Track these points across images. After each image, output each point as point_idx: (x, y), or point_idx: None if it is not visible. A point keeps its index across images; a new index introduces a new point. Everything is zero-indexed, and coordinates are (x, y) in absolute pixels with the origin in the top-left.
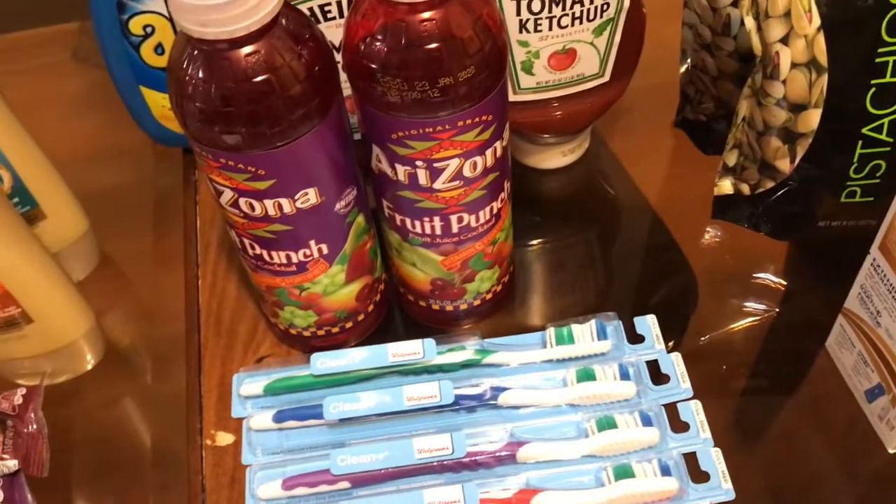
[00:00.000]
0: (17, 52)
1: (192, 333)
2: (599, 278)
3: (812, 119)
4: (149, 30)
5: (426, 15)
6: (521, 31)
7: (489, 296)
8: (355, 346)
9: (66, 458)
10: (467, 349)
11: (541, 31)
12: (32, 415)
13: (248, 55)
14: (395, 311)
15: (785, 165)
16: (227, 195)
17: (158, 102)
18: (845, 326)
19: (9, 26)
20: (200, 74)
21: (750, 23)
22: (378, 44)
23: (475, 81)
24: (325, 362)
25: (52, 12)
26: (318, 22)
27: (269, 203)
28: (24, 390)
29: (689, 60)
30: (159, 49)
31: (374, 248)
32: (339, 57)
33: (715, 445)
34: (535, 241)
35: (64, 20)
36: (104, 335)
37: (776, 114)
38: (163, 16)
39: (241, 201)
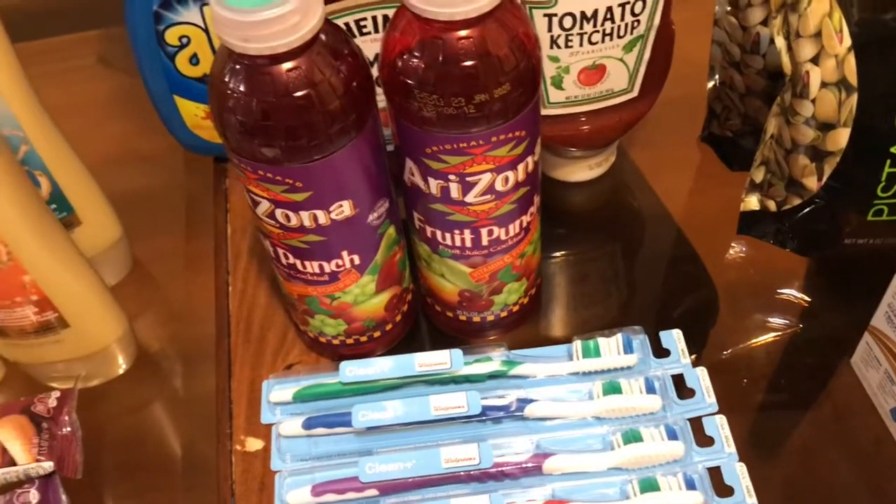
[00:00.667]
0: (43, 56)
1: (222, 339)
2: (624, 291)
3: (841, 138)
4: (184, 40)
5: (463, 33)
6: (552, 47)
7: (516, 308)
8: (382, 355)
9: (98, 461)
10: (494, 360)
11: (571, 46)
12: (67, 417)
13: (288, 70)
14: (421, 322)
15: (812, 183)
16: (264, 206)
17: (191, 112)
18: (871, 344)
19: (36, 33)
20: (241, 88)
21: (780, 42)
22: (415, 60)
23: (510, 98)
24: (353, 370)
25: (78, 19)
26: (354, 36)
27: (304, 214)
28: (58, 393)
29: (716, 77)
30: (194, 59)
31: (403, 259)
32: (374, 71)
33: (739, 460)
34: (560, 254)
35: (90, 27)
36: (136, 340)
37: (804, 132)
38: (199, 27)
39: (278, 212)
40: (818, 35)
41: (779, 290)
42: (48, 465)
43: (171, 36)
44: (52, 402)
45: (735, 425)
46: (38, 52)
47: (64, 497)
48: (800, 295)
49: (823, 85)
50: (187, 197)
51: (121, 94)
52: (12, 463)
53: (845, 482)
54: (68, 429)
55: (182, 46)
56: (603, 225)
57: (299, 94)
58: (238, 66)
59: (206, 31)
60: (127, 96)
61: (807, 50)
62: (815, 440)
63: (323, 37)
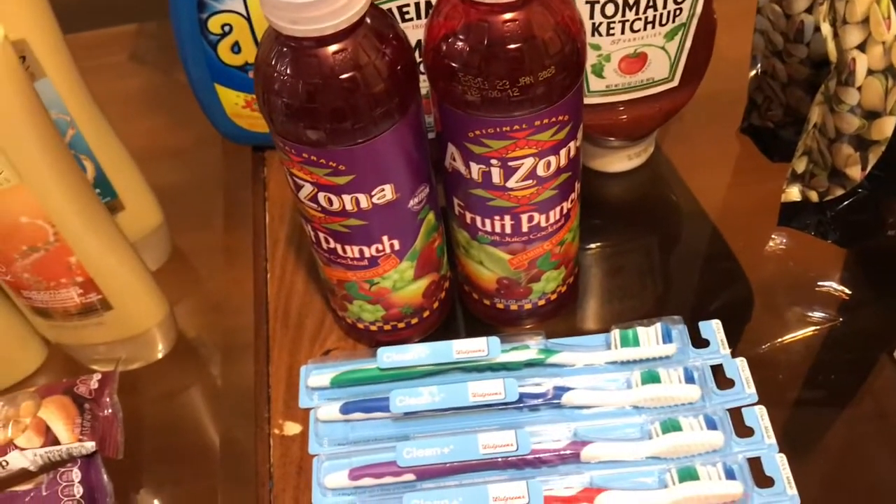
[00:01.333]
0: (76, 53)
1: (260, 326)
2: (661, 283)
3: (887, 126)
4: (227, 28)
5: (508, 16)
6: (593, 35)
7: (554, 296)
8: (419, 342)
9: (138, 443)
10: (531, 348)
11: (613, 34)
12: (108, 399)
13: (335, 53)
14: (458, 310)
15: (856, 173)
16: (307, 189)
17: (232, 100)
18: None
19: (69, 28)
20: (288, 70)
21: (826, 29)
22: (460, 43)
23: (554, 82)
24: (391, 356)
25: (111, 14)
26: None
27: (346, 198)
28: (99, 375)
29: (758, 66)
30: (236, 48)
31: (441, 246)
32: (417, 57)
33: (779, 451)
34: (597, 244)
35: (123, 22)
36: (176, 325)
37: (849, 121)
38: (241, 15)
39: (321, 196)
40: (865, 22)
41: (819, 283)
42: (90, 445)
43: (214, 24)
44: (94, 384)
45: (774, 418)
46: (74, 47)
47: (105, 476)
48: (840, 288)
49: (870, 72)
50: (225, 186)
51: (153, 89)
52: (56, 442)
53: (886, 478)
54: (109, 410)
55: (224, 35)
56: (640, 216)
57: (345, 76)
58: (285, 49)
59: (249, 19)
60: (160, 92)
61: (853, 37)
62: (855, 434)
63: (368, 20)
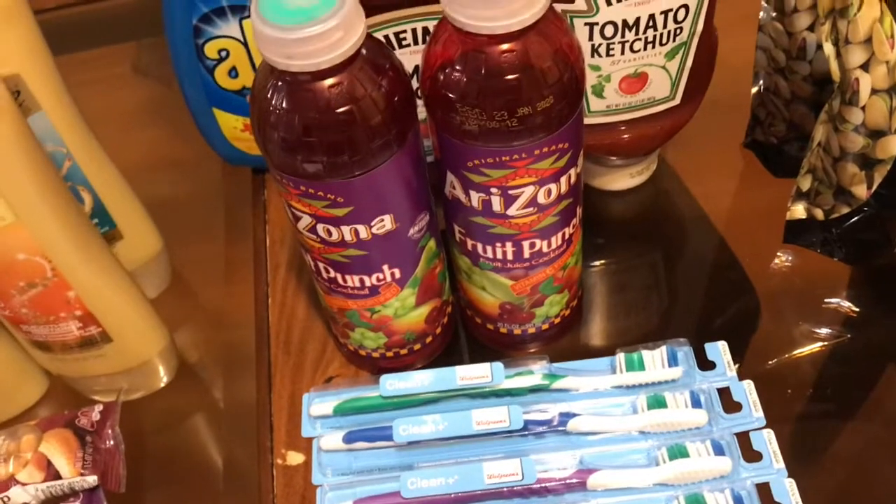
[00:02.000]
0: (80, 66)
1: (262, 352)
2: (666, 301)
3: (891, 145)
4: (223, 54)
5: (505, 46)
6: (592, 56)
7: (557, 320)
8: (422, 368)
9: (141, 474)
10: (535, 373)
11: (613, 55)
12: (110, 431)
13: (330, 87)
14: (461, 334)
15: (862, 191)
16: (305, 221)
17: (230, 124)
18: None
19: (73, 46)
20: (284, 105)
21: (829, 48)
22: (457, 73)
23: (553, 111)
24: (394, 384)
25: (113, 31)
26: (394, 49)
27: (346, 229)
28: (101, 407)
29: (761, 83)
30: (233, 72)
31: (443, 272)
32: (413, 84)
33: (788, 475)
34: (601, 263)
35: (126, 39)
36: (177, 352)
37: (854, 140)
38: (237, 40)
39: (319, 227)
40: (868, 41)
41: (825, 300)
42: (92, 479)
43: (211, 49)
44: (96, 416)
45: (782, 437)
46: (75, 62)
47: None
48: (847, 304)
49: (874, 92)
50: (226, 207)
51: (157, 102)
52: (57, 476)
53: None
54: (111, 442)
55: (221, 60)
56: (644, 234)
57: (341, 109)
58: (280, 83)
59: (245, 44)
60: (163, 105)
61: (856, 56)
62: (865, 453)
63: (364, 52)
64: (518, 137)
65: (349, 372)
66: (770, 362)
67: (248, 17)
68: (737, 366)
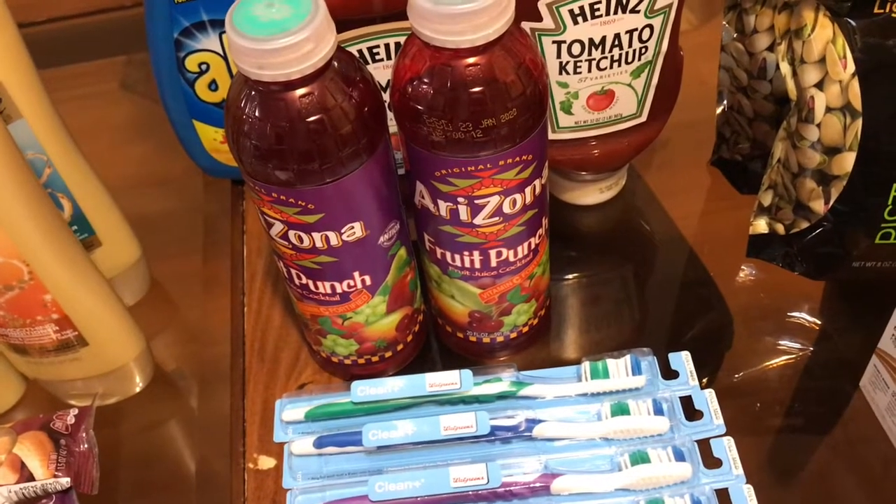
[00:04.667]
0: (67, 82)
1: (237, 359)
2: (634, 313)
3: (846, 162)
4: (204, 67)
5: (471, 60)
6: (560, 73)
7: (525, 329)
8: (394, 375)
9: (114, 477)
10: (503, 381)
11: (580, 72)
12: (84, 434)
13: (302, 96)
14: (432, 342)
15: (819, 206)
16: (278, 227)
17: (210, 136)
18: (879, 367)
19: (60, 60)
20: (256, 113)
21: (785, 68)
22: (424, 86)
23: (517, 123)
24: (364, 390)
25: (100, 46)
26: (367, 63)
27: (316, 236)
28: (76, 410)
29: (725, 101)
30: (213, 85)
31: (414, 280)
32: (386, 97)
33: (747, 482)
34: (571, 276)
35: (113, 54)
36: (153, 359)
37: (811, 156)
38: (217, 54)
39: (291, 233)
40: (822, 61)
41: (789, 314)
42: (65, 481)
43: (191, 63)
44: (71, 420)
45: (744, 448)
46: (62, 77)
47: None
48: (811, 318)
49: (828, 110)
50: (205, 219)
51: (141, 118)
52: (31, 478)
53: None
54: (85, 445)
55: (201, 73)
56: (614, 248)
57: (312, 119)
58: (253, 92)
59: (225, 57)
60: (148, 120)
61: (811, 75)
62: (823, 463)
63: (335, 64)
64: (483, 148)
65: (322, 379)
66: (735, 375)
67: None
68: (704, 379)
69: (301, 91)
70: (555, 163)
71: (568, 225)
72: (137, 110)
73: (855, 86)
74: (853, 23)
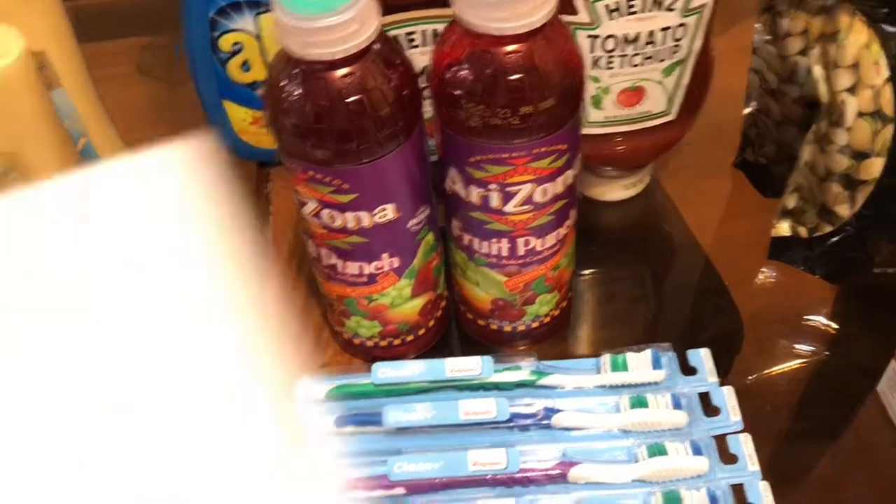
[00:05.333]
0: (87, 62)
1: None
2: (653, 311)
3: (874, 167)
4: (237, 47)
5: (511, 47)
6: (593, 68)
7: (547, 319)
8: (414, 358)
9: None
10: (523, 369)
11: (612, 68)
12: None
13: (343, 76)
14: (453, 329)
15: (844, 211)
16: (311, 206)
17: (240, 116)
18: None
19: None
20: (297, 91)
21: (818, 72)
22: (464, 72)
23: (553, 112)
24: (385, 372)
25: (119, 26)
26: (404, 49)
27: (349, 216)
28: None
29: (753, 104)
30: (245, 66)
31: (438, 266)
32: (421, 83)
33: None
34: (591, 271)
35: (131, 34)
36: None
37: (838, 160)
38: (251, 34)
39: (324, 212)
40: (855, 66)
41: (806, 317)
42: None
43: (225, 42)
44: None
45: (759, 447)
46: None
47: None
48: (827, 322)
49: (859, 114)
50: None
51: (159, 102)
52: None
53: None
54: None
55: (234, 53)
56: (635, 245)
57: (352, 98)
58: (296, 71)
59: (258, 38)
60: (165, 105)
61: (844, 80)
62: (837, 465)
63: (377, 46)
64: (519, 135)
65: (343, 360)
66: (750, 377)
67: (264, 12)
68: (719, 378)
69: (343, 71)
70: (582, 158)
71: (591, 220)
72: (155, 95)
73: (888, 91)
74: (889, 29)
